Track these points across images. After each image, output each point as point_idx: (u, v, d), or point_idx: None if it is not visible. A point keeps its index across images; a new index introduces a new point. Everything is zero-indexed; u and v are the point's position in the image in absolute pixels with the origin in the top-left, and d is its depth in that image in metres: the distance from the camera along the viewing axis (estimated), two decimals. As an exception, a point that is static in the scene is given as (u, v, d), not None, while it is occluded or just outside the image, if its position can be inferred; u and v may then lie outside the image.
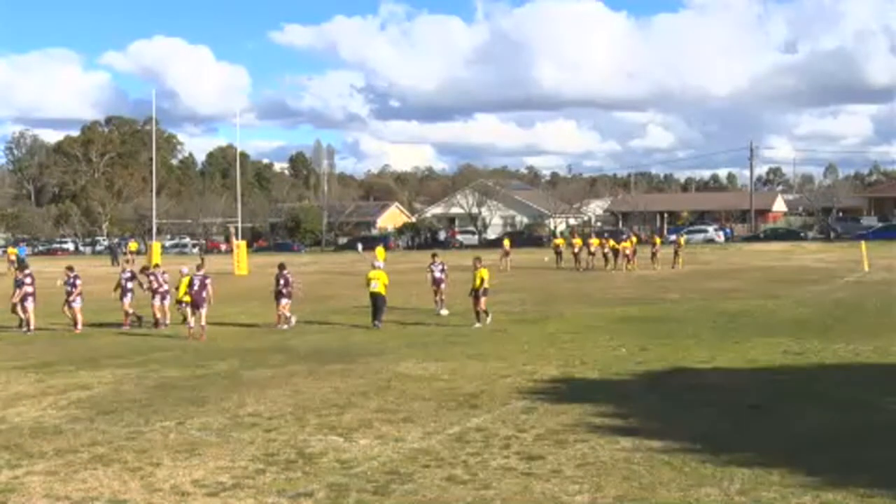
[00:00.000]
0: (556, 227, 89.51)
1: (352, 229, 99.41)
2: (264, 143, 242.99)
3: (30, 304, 22.96)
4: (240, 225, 60.42)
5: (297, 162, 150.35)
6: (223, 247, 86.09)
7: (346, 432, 11.13)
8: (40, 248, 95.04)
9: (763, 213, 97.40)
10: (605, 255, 44.55)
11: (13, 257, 54.06)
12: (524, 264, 50.55)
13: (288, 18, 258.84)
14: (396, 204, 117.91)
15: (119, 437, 11.16)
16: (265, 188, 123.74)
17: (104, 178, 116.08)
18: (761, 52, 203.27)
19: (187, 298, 21.40)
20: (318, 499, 8.57)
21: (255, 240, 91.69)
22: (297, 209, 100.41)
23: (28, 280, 23.30)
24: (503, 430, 11.04)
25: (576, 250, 46.04)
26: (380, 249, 43.16)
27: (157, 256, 51.20)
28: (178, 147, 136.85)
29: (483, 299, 21.98)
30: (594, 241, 48.23)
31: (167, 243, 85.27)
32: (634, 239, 51.96)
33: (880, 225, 79.57)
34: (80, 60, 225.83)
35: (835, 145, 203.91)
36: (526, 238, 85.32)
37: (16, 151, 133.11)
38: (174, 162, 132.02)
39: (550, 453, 9.90)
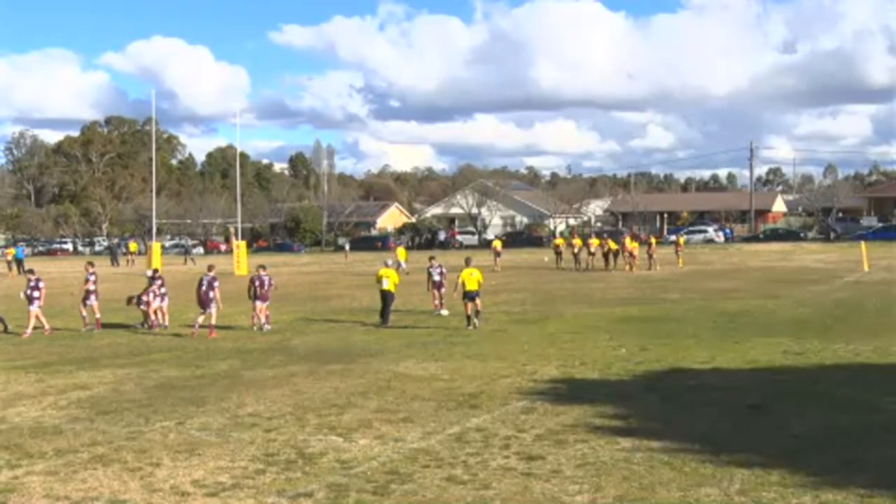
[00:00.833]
0: (555, 228, 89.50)
1: (351, 229, 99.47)
2: (264, 144, 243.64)
3: (93, 300, 23.02)
4: (239, 225, 60.46)
5: (297, 162, 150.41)
6: (223, 247, 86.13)
7: (345, 432, 11.13)
8: (40, 248, 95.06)
9: (763, 213, 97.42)
10: (604, 256, 44.55)
11: (10, 258, 54.19)
12: (524, 264, 50.59)
13: (287, 19, 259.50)
14: (396, 204, 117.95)
15: (119, 437, 11.15)
16: (265, 188, 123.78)
17: (104, 179, 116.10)
18: (760, 53, 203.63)
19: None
20: (317, 499, 8.57)
21: (255, 240, 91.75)
22: (296, 209, 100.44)
23: (91, 278, 23.35)
24: (503, 430, 11.04)
25: (575, 250, 46.07)
26: (401, 250, 43.29)
27: (157, 257, 51.24)
28: (179, 148, 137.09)
29: (478, 301, 21.61)
30: (594, 241, 48.27)
31: (167, 243, 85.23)
32: (631, 240, 51.84)
33: (880, 225, 79.62)
34: (79, 61, 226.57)
35: (834, 145, 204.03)
36: (525, 238, 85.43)
37: (15, 152, 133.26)
38: (174, 162, 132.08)
39: (550, 453, 9.90)
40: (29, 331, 22.01)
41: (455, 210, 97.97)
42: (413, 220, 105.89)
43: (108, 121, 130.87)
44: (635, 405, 12.43)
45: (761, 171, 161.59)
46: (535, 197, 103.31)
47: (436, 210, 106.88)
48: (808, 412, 11.69)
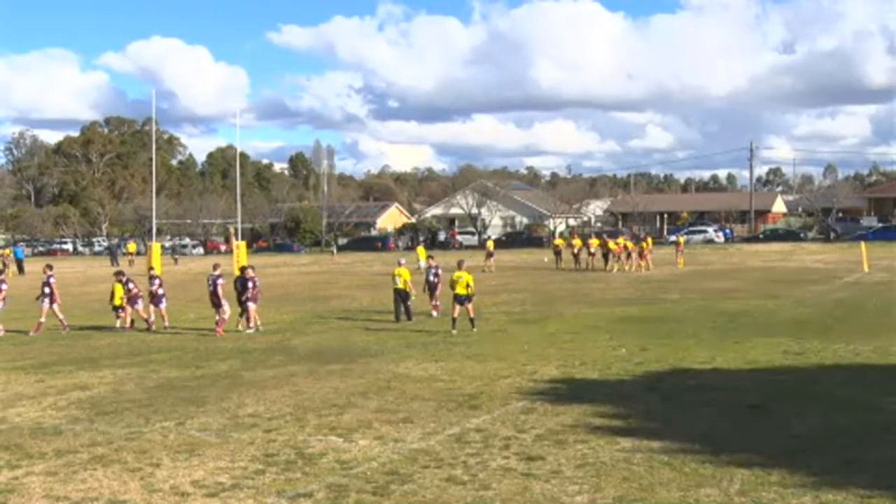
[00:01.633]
0: (555, 228, 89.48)
1: (351, 229, 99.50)
2: (263, 144, 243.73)
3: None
4: (239, 225, 60.41)
5: (297, 162, 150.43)
6: (223, 247, 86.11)
7: (345, 433, 11.13)
8: (40, 248, 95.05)
9: (763, 213, 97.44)
10: (604, 256, 44.54)
11: (7, 258, 54.25)
12: (524, 265, 50.59)
13: (286, 19, 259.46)
14: (396, 204, 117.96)
15: (119, 438, 11.15)
16: (265, 188, 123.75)
17: (104, 179, 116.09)
18: (759, 53, 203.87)
19: (119, 302, 23.01)
20: (317, 499, 8.56)
21: (255, 240, 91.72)
22: (296, 210, 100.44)
23: (157, 282, 23.69)
24: (503, 430, 11.03)
25: (575, 251, 46.06)
26: (421, 249, 43.33)
27: (157, 258, 51.20)
28: (179, 148, 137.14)
29: (469, 306, 20.96)
30: (594, 241, 48.26)
31: (167, 244, 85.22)
32: (624, 240, 51.73)
33: (880, 225, 79.60)
34: (78, 61, 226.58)
35: (833, 146, 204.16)
36: (525, 239, 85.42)
37: (15, 152, 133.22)
38: (174, 162, 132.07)
39: (550, 454, 9.89)
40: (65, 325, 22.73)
41: (455, 210, 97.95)
42: (413, 220, 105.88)
43: (107, 121, 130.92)
44: (635, 405, 12.42)
45: (761, 171, 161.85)
46: (535, 197, 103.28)
47: (436, 210, 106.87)
48: (808, 412, 11.68)
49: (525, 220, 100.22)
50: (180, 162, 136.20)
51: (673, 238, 63.97)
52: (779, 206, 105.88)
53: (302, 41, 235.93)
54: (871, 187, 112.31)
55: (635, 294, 30.30)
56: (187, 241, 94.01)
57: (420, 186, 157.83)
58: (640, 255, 43.39)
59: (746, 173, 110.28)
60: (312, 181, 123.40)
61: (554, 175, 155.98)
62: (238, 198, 62.69)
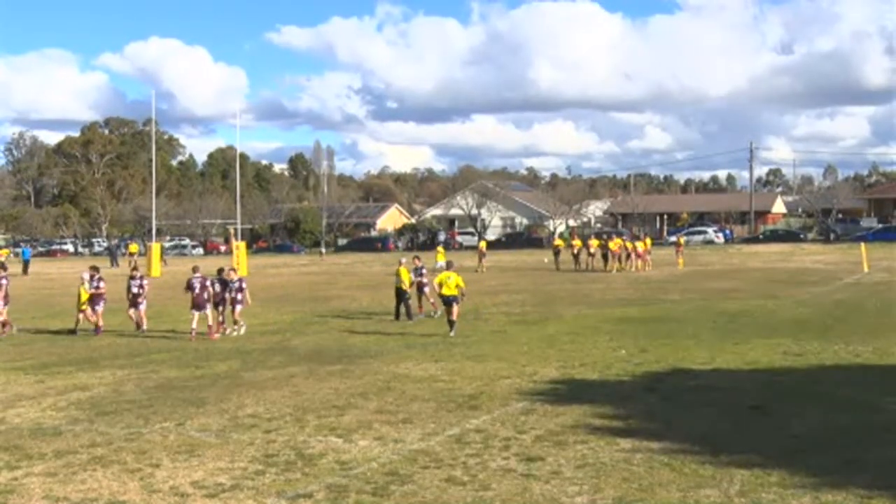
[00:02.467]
0: (555, 229, 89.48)
1: (351, 230, 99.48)
2: (262, 145, 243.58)
3: (143, 306, 22.75)
4: (239, 226, 60.38)
5: (297, 163, 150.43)
6: (223, 248, 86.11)
7: (345, 433, 11.13)
8: (40, 249, 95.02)
9: (763, 214, 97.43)
10: (604, 257, 44.55)
11: (3, 258, 54.39)
12: (524, 265, 50.59)
13: (285, 20, 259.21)
14: (396, 205, 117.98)
15: (118, 439, 11.15)
16: (265, 189, 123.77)
17: (104, 180, 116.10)
18: (758, 54, 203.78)
19: (85, 306, 22.32)
20: (317, 500, 8.56)
21: (255, 241, 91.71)
22: (296, 210, 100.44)
23: (138, 283, 22.93)
24: (503, 431, 11.03)
25: (575, 251, 46.05)
26: (440, 249, 43.44)
27: (156, 258, 51.19)
28: (179, 149, 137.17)
29: (455, 308, 20.55)
30: (594, 241, 48.26)
31: (167, 244, 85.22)
32: (621, 240, 51.71)
33: (880, 226, 79.59)
34: (77, 62, 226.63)
35: (833, 146, 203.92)
36: (525, 239, 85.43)
37: (15, 152, 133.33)
38: (173, 163, 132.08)
39: (550, 454, 9.89)
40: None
41: (455, 211, 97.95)
42: (413, 221, 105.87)
43: (107, 121, 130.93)
44: (635, 406, 12.42)
45: (761, 172, 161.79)
46: (535, 198, 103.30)
47: (436, 211, 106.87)
48: (808, 412, 11.68)
49: (525, 221, 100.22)
50: (180, 162, 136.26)
51: (673, 239, 63.97)
52: (779, 207, 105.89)
53: (301, 42, 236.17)
54: (870, 188, 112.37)
55: (635, 295, 30.30)
56: (187, 241, 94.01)
57: (420, 187, 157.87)
58: (638, 254, 43.37)
59: (746, 174, 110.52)
60: (312, 182, 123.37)
61: (553, 176, 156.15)
62: (238, 198, 62.73)
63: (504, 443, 10.44)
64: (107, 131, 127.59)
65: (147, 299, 23.41)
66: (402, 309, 23.78)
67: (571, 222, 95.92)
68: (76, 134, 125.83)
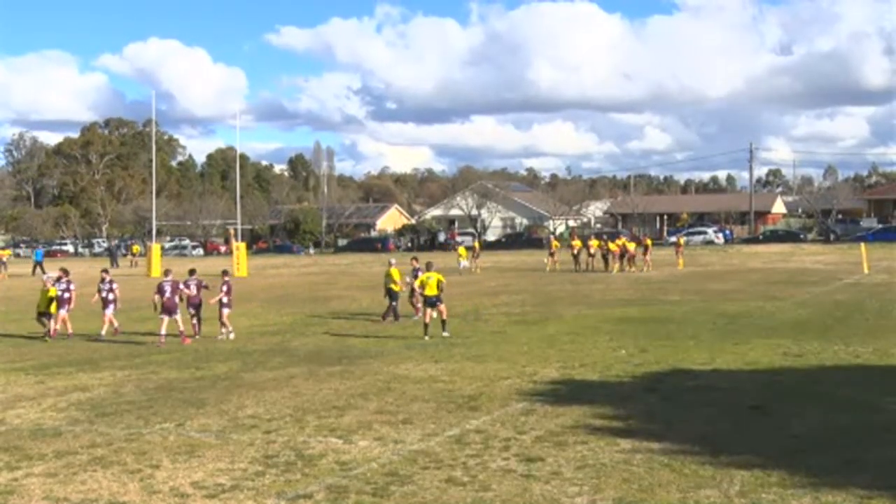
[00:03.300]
0: (555, 229, 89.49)
1: (351, 231, 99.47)
2: (261, 145, 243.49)
3: (110, 310, 21.97)
4: (239, 227, 60.39)
5: (297, 163, 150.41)
6: (223, 248, 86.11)
7: (345, 434, 11.13)
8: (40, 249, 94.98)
9: (762, 214, 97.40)
10: (604, 257, 44.52)
11: (3, 258, 54.42)
12: (524, 266, 50.58)
13: (284, 20, 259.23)
14: (396, 206, 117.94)
15: (118, 439, 11.15)
16: (265, 190, 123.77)
17: (103, 180, 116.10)
18: (757, 54, 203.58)
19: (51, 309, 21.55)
20: (317, 500, 8.56)
21: (255, 241, 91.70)
22: (296, 211, 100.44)
23: (108, 286, 22.24)
24: (502, 431, 11.03)
25: (575, 252, 46.00)
26: (462, 249, 43.40)
27: (157, 259, 51.21)
28: (179, 149, 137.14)
29: (441, 307, 20.36)
30: (594, 242, 48.21)
31: (166, 245, 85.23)
32: (624, 241, 51.69)
33: (880, 227, 79.57)
34: (76, 62, 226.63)
35: (832, 147, 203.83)
36: (525, 240, 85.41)
37: (15, 153, 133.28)
38: (173, 164, 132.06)
39: (550, 455, 9.89)
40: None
41: (455, 212, 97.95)
42: (413, 221, 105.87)
43: (107, 122, 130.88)
44: (635, 406, 12.43)
45: (761, 172, 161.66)
46: (535, 198, 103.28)
47: (436, 211, 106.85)
48: (808, 413, 11.69)
49: (525, 222, 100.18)
50: (180, 163, 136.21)
51: (673, 239, 63.94)
52: (778, 208, 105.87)
53: (300, 42, 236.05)
54: (870, 188, 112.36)
55: (635, 295, 30.29)
56: (187, 241, 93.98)
57: (420, 188, 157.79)
58: (630, 254, 43.33)
59: (746, 174, 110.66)
60: (312, 182, 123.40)
61: (553, 176, 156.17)
62: (238, 199, 62.72)
63: (504, 443, 10.44)
64: (106, 132, 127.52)
65: (117, 305, 22.53)
66: (390, 309, 23.84)
67: (571, 223, 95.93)
68: (76, 135, 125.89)
